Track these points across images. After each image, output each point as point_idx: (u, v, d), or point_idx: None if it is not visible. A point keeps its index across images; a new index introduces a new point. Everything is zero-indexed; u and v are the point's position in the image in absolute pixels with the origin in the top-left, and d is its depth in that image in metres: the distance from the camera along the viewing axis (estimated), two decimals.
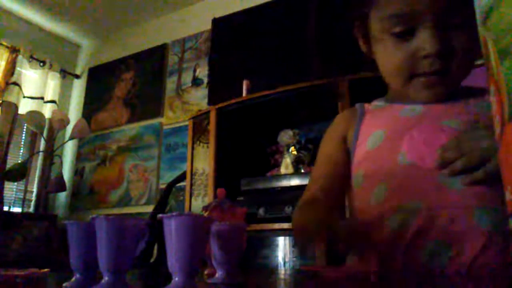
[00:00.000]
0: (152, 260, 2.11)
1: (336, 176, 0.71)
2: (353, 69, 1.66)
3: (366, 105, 0.74)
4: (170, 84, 3.09)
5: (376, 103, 0.74)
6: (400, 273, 0.57)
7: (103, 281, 0.35)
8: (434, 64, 0.60)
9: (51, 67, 3.33)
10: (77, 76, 3.69)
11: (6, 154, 2.91)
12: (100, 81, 3.53)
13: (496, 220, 0.54)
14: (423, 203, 0.57)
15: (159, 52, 3.21)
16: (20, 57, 3.11)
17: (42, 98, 3.23)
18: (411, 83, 0.64)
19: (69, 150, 3.46)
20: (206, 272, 0.63)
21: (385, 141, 0.64)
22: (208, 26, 2.74)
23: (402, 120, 0.65)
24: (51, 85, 3.35)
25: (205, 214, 0.62)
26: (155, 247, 2.13)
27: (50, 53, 3.41)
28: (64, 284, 0.38)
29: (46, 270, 0.47)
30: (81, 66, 3.73)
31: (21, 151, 3.19)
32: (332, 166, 0.73)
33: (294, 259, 1.69)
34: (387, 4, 0.64)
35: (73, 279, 0.39)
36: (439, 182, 0.57)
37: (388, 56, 0.66)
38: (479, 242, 0.54)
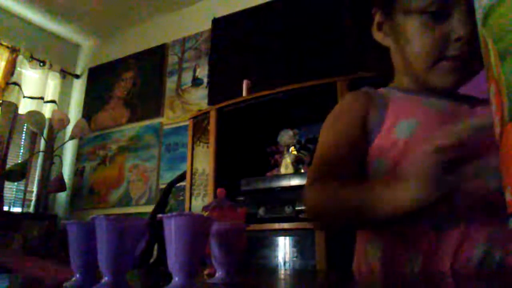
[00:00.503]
0: (152, 260, 2.11)
1: (355, 158, 0.65)
2: (353, 69, 1.66)
3: (380, 91, 0.70)
4: (170, 84, 3.09)
5: (387, 90, 0.70)
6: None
7: (103, 281, 0.35)
8: (463, 47, 0.59)
9: (51, 67, 3.33)
10: (77, 76, 3.69)
11: (6, 154, 2.91)
12: (100, 81, 3.53)
13: None
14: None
15: (159, 52, 3.21)
16: (20, 57, 3.11)
17: (42, 98, 3.23)
18: (437, 66, 0.62)
19: (69, 150, 3.46)
20: (206, 272, 0.63)
21: (419, 132, 0.60)
22: (208, 26, 2.74)
23: (429, 111, 0.63)
24: (51, 85, 3.35)
25: (205, 214, 0.62)
26: (155, 247, 2.13)
27: (50, 53, 3.41)
28: (64, 284, 0.38)
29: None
30: (81, 66, 3.73)
31: (21, 151, 3.19)
32: (353, 149, 0.66)
33: (294, 259, 1.69)
34: None
35: (73, 279, 0.39)
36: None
37: (417, 36, 0.63)
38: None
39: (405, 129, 0.62)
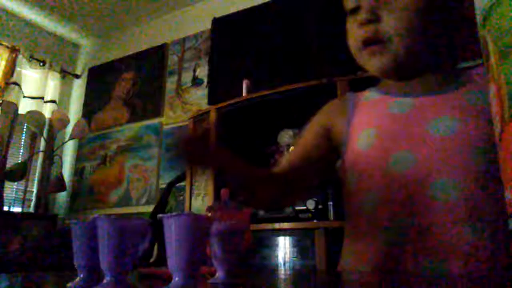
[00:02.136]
0: (152, 260, 2.11)
1: (308, 158, 0.71)
2: (353, 69, 1.66)
3: (359, 96, 0.73)
4: (170, 84, 3.09)
5: (368, 93, 0.72)
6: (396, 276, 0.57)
7: (105, 281, 0.35)
8: (366, 31, 0.62)
9: (51, 67, 3.33)
10: (77, 76, 3.69)
11: (6, 154, 2.91)
12: (100, 81, 3.52)
13: (482, 231, 0.54)
14: (415, 218, 0.56)
15: (159, 52, 3.21)
16: (20, 57, 3.11)
17: (42, 98, 3.23)
18: (362, 54, 0.65)
19: (69, 150, 3.46)
20: (206, 272, 0.63)
21: (377, 143, 0.62)
22: (208, 26, 2.74)
23: (392, 117, 0.64)
24: (51, 85, 3.35)
25: (210, 215, 0.62)
26: (155, 247, 2.13)
27: (50, 53, 3.41)
28: (68, 284, 0.38)
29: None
30: (81, 66, 3.73)
31: (21, 151, 3.19)
32: (306, 150, 0.72)
33: (294, 259, 1.69)
34: None
35: (77, 278, 0.39)
36: (430, 194, 0.56)
37: (348, 33, 0.68)
38: (465, 254, 0.53)
39: (365, 139, 0.64)
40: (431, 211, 0.55)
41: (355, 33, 0.65)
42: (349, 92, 0.75)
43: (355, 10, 0.64)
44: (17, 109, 3.01)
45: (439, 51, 0.67)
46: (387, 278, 0.55)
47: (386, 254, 0.58)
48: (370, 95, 0.71)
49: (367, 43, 0.63)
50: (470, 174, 0.56)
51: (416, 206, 0.56)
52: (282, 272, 1.14)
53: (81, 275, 0.39)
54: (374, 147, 0.62)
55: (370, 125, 0.65)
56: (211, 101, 2.39)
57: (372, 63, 0.65)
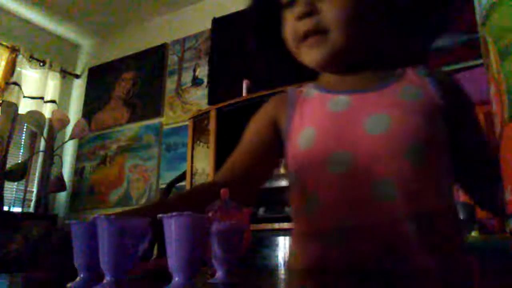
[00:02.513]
0: (152, 259, 2.11)
1: (255, 153, 0.68)
2: None
3: (298, 92, 0.70)
4: (170, 84, 3.09)
5: (307, 89, 0.70)
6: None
7: (105, 281, 0.35)
8: (306, 24, 0.61)
9: (51, 67, 3.33)
10: (77, 76, 3.69)
11: (6, 154, 2.91)
12: (100, 81, 3.53)
13: (427, 226, 0.54)
14: (356, 219, 0.55)
15: (159, 52, 3.21)
16: (20, 57, 3.11)
17: (42, 98, 3.23)
18: (300, 47, 0.64)
19: (69, 150, 3.46)
20: (207, 272, 0.63)
21: (316, 143, 0.60)
22: (208, 26, 2.75)
23: (330, 116, 0.62)
24: (51, 85, 3.35)
25: (210, 215, 0.62)
26: (155, 247, 2.13)
27: (50, 53, 3.41)
28: (68, 285, 0.38)
29: None
30: (81, 66, 3.73)
31: (21, 151, 3.19)
32: (254, 144, 0.69)
33: None
34: None
35: (78, 278, 0.39)
36: (372, 194, 0.55)
37: (284, 29, 0.66)
38: (411, 251, 0.53)
39: (305, 139, 0.62)
40: (374, 211, 0.55)
41: (293, 26, 0.63)
42: (290, 88, 0.73)
43: (292, 3, 0.63)
44: (17, 109, 3.02)
45: (381, 46, 0.66)
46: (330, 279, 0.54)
47: (326, 256, 0.57)
48: (309, 92, 0.69)
49: (307, 36, 0.62)
50: (410, 171, 0.55)
51: (359, 206, 0.55)
52: (282, 272, 1.14)
53: (81, 275, 0.39)
54: (314, 147, 0.60)
55: (310, 124, 0.63)
56: (211, 101, 2.39)
57: (311, 55, 0.63)
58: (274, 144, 0.67)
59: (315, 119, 0.63)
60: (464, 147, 0.63)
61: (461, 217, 1.13)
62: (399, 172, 0.55)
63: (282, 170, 0.75)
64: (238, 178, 0.66)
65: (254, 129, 0.71)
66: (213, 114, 2.06)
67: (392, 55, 0.68)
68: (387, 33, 0.65)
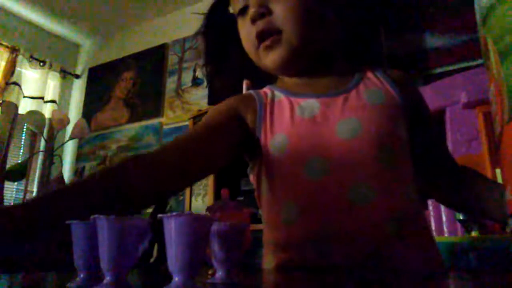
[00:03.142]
0: (152, 260, 2.11)
1: (212, 135, 0.62)
2: None
3: (263, 95, 0.67)
4: (170, 84, 3.09)
5: (272, 92, 0.67)
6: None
7: (105, 281, 0.35)
8: (259, 25, 0.61)
9: (51, 67, 3.33)
10: (77, 76, 3.69)
11: (6, 154, 2.91)
12: (100, 81, 3.53)
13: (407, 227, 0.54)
14: (335, 224, 0.54)
15: (159, 52, 3.21)
16: (20, 57, 3.11)
17: (42, 98, 3.23)
18: (259, 51, 0.63)
19: (69, 150, 3.46)
20: (207, 271, 0.63)
21: (290, 149, 0.58)
22: None
23: (301, 122, 0.60)
24: (51, 85, 3.35)
25: (210, 215, 0.62)
26: (155, 247, 2.13)
27: (50, 53, 3.41)
28: (68, 284, 0.38)
29: None
30: (81, 66, 3.73)
31: (21, 151, 3.19)
32: (210, 129, 0.62)
33: None
34: None
35: (77, 278, 0.39)
36: (350, 199, 0.54)
37: (241, 36, 0.66)
38: (391, 256, 0.53)
39: (278, 146, 0.60)
40: (352, 217, 0.54)
41: (248, 30, 0.63)
42: (252, 90, 0.71)
43: (245, 9, 0.63)
44: (17, 109, 3.02)
45: (337, 46, 0.66)
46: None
47: (305, 264, 0.56)
48: (275, 95, 0.66)
49: (262, 37, 0.61)
50: (383, 173, 0.55)
51: (337, 212, 0.55)
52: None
53: (81, 275, 0.39)
54: (287, 154, 0.59)
55: (281, 131, 0.60)
56: (211, 101, 2.39)
57: (269, 57, 0.62)
58: (234, 134, 0.63)
59: (287, 125, 0.60)
60: (422, 143, 0.64)
61: (461, 217, 1.13)
62: (373, 175, 0.55)
63: (251, 179, 0.72)
64: (178, 159, 0.59)
65: (213, 116, 0.64)
66: None
67: (349, 56, 0.68)
68: (341, 32, 0.65)
